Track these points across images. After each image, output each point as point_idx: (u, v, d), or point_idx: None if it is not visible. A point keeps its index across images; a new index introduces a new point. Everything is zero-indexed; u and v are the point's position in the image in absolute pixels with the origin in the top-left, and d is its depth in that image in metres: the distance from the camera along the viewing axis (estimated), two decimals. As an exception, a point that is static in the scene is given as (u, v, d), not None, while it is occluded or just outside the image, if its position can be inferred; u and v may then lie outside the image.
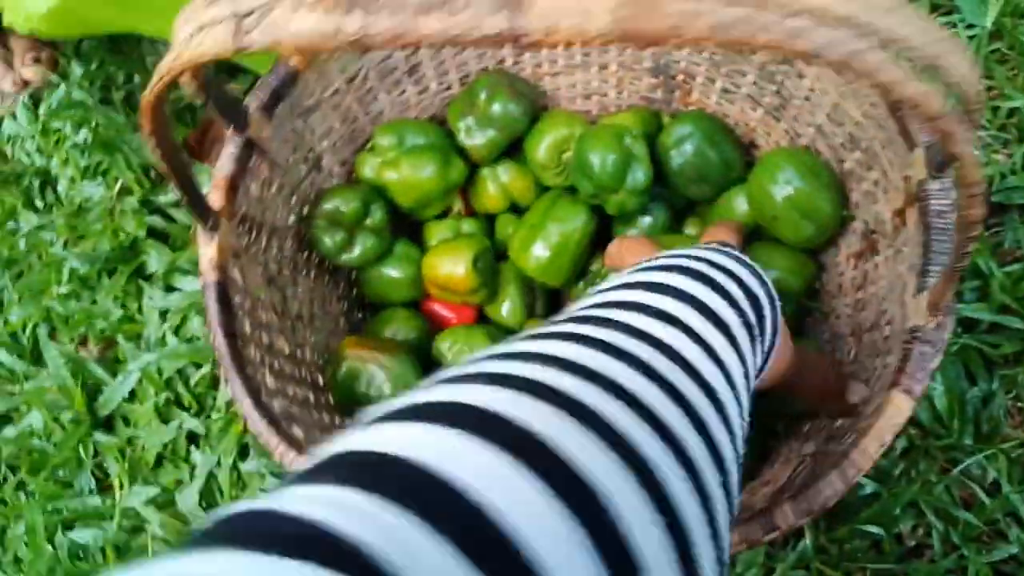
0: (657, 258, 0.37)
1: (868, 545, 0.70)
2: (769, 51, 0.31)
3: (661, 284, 0.32)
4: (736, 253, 0.39)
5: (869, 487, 0.72)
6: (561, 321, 0.30)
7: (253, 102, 0.60)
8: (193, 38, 0.31)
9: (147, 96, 0.44)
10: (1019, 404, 0.74)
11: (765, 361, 0.38)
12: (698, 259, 0.36)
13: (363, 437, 0.21)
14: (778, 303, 0.39)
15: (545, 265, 0.68)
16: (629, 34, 0.26)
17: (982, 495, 0.70)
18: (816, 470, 0.50)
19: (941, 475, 0.72)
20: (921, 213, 0.50)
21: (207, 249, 0.56)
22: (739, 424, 0.29)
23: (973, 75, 0.35)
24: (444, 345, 0.67)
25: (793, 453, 0.58)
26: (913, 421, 0.74)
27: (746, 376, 0.32)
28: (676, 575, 0.21)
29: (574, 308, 0.32)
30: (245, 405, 0.53)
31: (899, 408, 0.46)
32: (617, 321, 0.29)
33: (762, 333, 0.36)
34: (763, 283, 0.38)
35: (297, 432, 0.54)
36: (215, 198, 0.58)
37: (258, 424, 0.52)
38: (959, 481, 0.71)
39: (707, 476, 0.24)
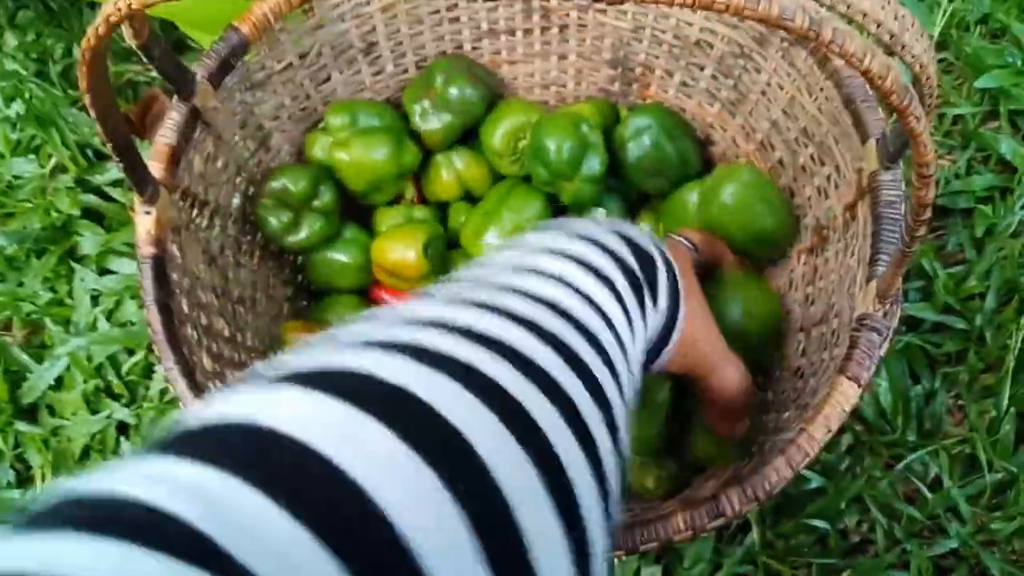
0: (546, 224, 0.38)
1: (814, 540, 0.71)
2: (736, 16, 0.31)
3: (543, 246, 0.33)
4: (629, 226, 0.40)
5: (815, 482, 0.72)
6: (444, 285, 0.30)
7: (200, 70, 0.58)
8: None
9: (87, 43, 0.41)
10: (960, 402, 0.76)
11: (667, 332, 0.39)
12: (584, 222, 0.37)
13: (239, 403, 0.19)
14: (677, 277, 0.40)
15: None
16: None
17: (925, 490, 0.71)
18: (763, 459, 0.50)
19: (885, 471, 0.73)
20: (872, 204, 0.50)
21: (145, 221, 0.53)
22: (625, 372, 0.30)
23: (929, 55, 0.35)
24: None
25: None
26: (858, 417, 0.75)
27: (630, 326, 0.32)
28: (550, 513, 0.20)
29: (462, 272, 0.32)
30: (179, 386, 0.50)
31: (845, 395, 0.46)
32: (497, 283, 0.29)
33: (653, 291, 0.36)
34: (659, 250, 0.39)
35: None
36: (155, 168, 0.55)
37: (192, 404, 0.49)
38: (903, 477, 0.72)
39: (586, 412, 0.24)
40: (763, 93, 0.64)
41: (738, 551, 0.70)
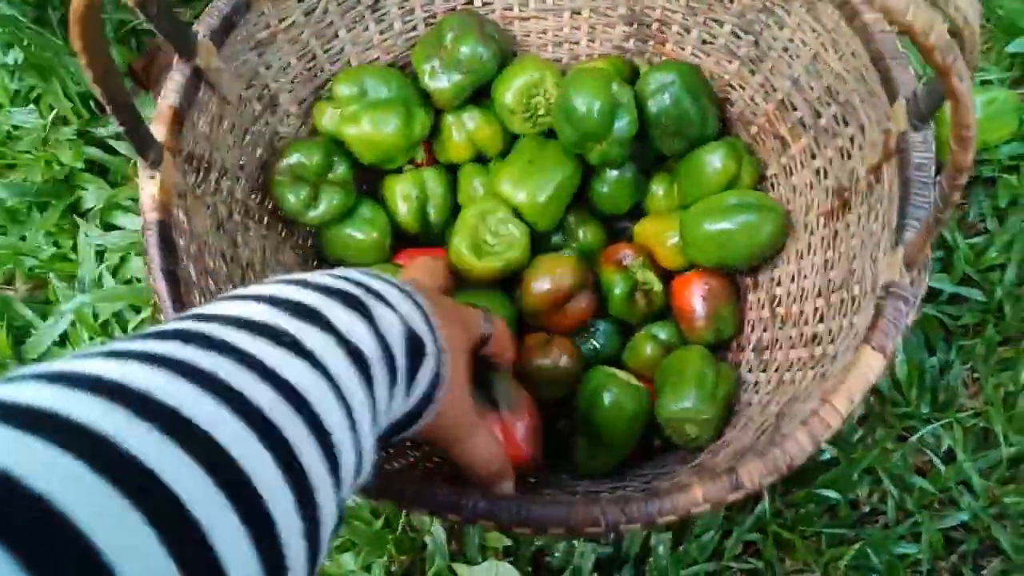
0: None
1: (823, 510, 0.70)
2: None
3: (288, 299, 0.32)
4: (409, 290, 0.39)
5: (827, 452, 0.71)
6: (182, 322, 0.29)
7: (201, 28, 0.55)
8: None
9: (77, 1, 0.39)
10: (975, 375, 0.74)
11: (419, 413, 0.40)
12: (356, 283, 0.36)
13: None
14: (442, 355, 0.40)
15: (535, 206, 0.65)
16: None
17: (937, 463, 0.70)
18: (781, 429, 0.49)
19: (898, 443, 0.72)
20: (900, 167, 0.48)
21: (148, 185, 0.51)
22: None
23: (975, 10, 0.33)
24: None
25: (755, 413, 0.57)
26: (873, 389, 0.74)
27: (373, 409, 0.32)
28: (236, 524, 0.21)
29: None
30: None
31: (870, 365, 0.45)
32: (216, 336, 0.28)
33: (411, 380, 0.37)
34: (434, 339, 0.39)
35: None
36: (158, 130, 0.53)
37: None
38: (915, 449, 0.71)
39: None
40: (785, 50, 0.61)
41: (748, 519, 0.69)
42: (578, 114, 0.62)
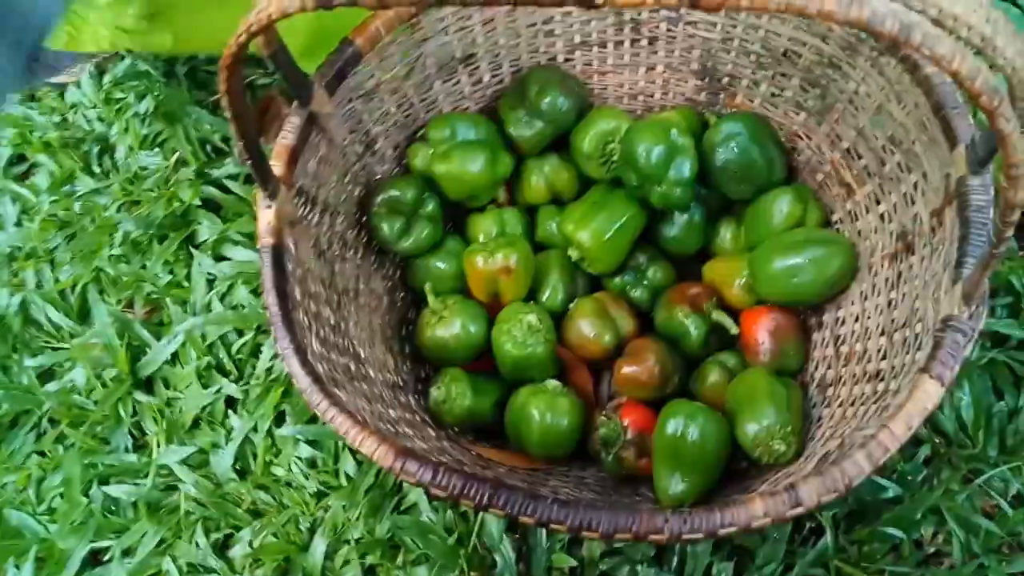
0: None
1: (887, 548, 0.71)
2: (826, 22, 0.33)
3: None
4: None
5: (891, 491, 0.72)
6: None
7: (318, 78, 0.63)
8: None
9: (228, 50, 0.47)
10: (1045, 421, 0.74)
11: None
12: None
13: None
14: None
15: (598, 245, 0.70)
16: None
17: (1005, 506, 0.71)
18: (843, 454, 0.51)
19: (964, 484, 0.72)
20: (960, 209, 0.51)
21: (266, 214, 0.58)
22: None
23: (1021, 57, 0.37)
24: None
25: (817, 447, 0.59)
26: (938, 430, 0.75)
27: None
28: None
29: None
30: (292, 363, 0.54)
31: (928, 393, 0.47)
32: None
33: None
34: None
35: (339, 394, 0.55)
36: (277, 166, 0.60)
37: (303, 381, 0.53)
38: (982, 491, 0.72)
39: None
40: (850, 102, 0.65)
41: (810, 553, 0.71)
42: (639, 158, 0.67)
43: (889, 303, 0.61)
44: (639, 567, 0.72)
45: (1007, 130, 0.35)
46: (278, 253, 0.58)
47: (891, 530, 0.70)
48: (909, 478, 0.73)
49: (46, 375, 0.87)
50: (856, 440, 0.51)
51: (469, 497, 0.47)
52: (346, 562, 0.73)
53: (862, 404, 0.57)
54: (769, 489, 0.51)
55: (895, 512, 0.71)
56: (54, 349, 0.88)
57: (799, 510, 0.47)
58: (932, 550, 0.71)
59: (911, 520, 0.71)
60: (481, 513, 0.74)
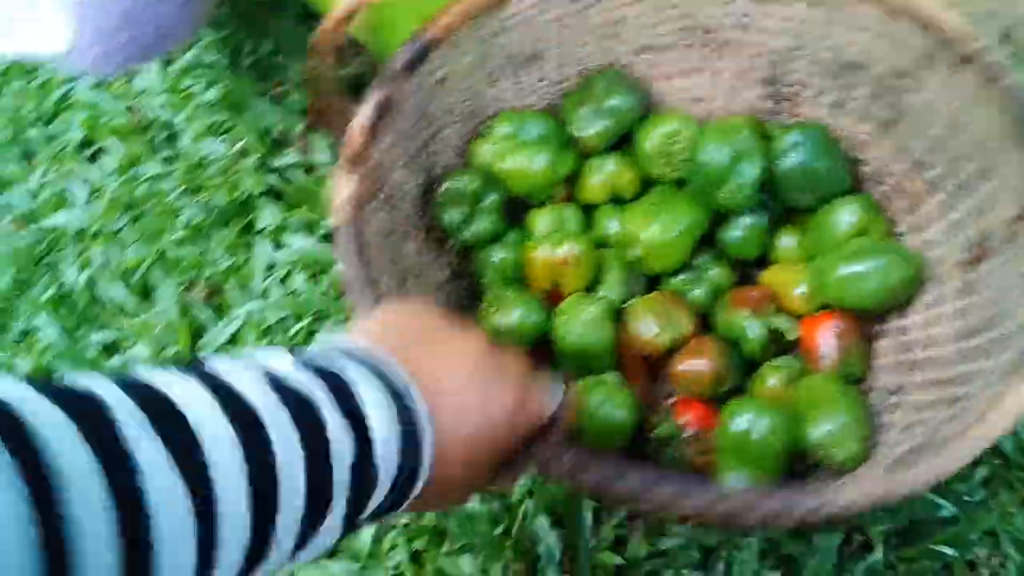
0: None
1: (939, 567, 0.70)
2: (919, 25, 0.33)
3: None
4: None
5: (945, 510, 0.71)
6: None
7: (398, 59, 0.65)
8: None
9: (325, 26, 0.49)
10: (1109, 447, 0.73)
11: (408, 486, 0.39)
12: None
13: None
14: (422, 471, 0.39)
15: (661, 243, 0.70)
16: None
17: (1065, 531, 0.69)
18: (923, 454, 0.51)
19: (1022, 507, 0.71)
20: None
21: (344, 188, 0.60)
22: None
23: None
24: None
25: (883, 454, 0.59)
26: (996, 451, 0.74)
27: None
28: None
29: None
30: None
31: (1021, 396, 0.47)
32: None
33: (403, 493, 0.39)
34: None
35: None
36: (354, 142, 0.62)
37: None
38: (1040, 514, 0.70)
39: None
40: (922, 112, 0.65)
41: (859, 568, 0.70)
42: (704, 159, 0.68)
43: (961, 310, 0.60)
44: (684, 571, 0.71)
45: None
46: (355, 224, 0.60)
47: (944, 548, 0.69)
48: (966, 498, 0.72)
49: (109, 350, 0.89)
50: (942, 439, 0.51)
51: (590, 481, 0.47)
52: (393, 546, 0.74)
53: (932, 409, 0.57)
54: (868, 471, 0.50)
55: (949, 532, 0.70)
56: (117, 328, 0.90)
57: (904, 490, 0.46)
58: (986, 572, 0.70)
59: (966, 540, 0.70)
60: (526, 504, 0.74)
